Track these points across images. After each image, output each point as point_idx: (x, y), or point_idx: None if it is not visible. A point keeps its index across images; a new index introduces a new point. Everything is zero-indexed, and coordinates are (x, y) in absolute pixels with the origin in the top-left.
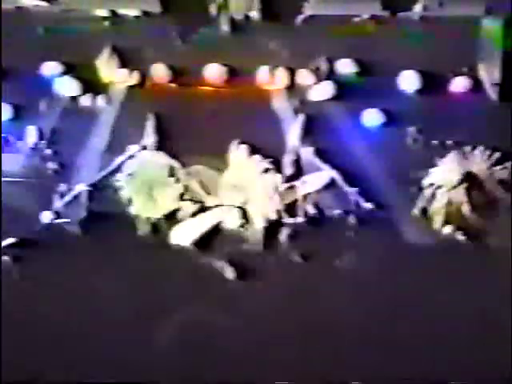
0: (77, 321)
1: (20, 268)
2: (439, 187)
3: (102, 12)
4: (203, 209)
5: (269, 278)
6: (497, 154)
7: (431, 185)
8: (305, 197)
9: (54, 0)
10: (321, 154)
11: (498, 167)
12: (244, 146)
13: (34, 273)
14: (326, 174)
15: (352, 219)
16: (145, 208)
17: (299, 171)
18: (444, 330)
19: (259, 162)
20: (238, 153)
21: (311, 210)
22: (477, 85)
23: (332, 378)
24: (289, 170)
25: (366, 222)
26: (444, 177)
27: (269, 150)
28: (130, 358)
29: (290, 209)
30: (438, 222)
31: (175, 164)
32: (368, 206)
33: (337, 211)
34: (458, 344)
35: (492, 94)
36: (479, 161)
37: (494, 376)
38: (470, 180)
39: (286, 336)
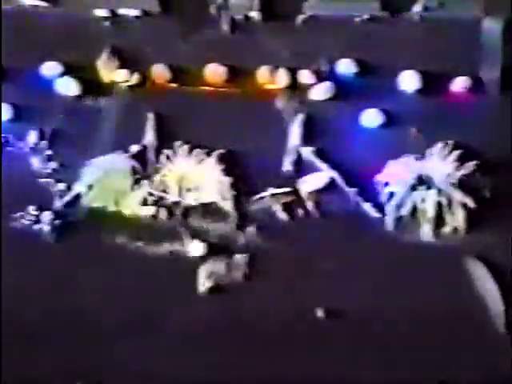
0: (76, 321)
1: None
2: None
3: (102, 12)
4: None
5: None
6: (456, 152)
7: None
8: (304, 197)
9: (54, 0)
10: (321, 153)
11: (455, 168)
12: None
13: (32, 270)
14: (326, 174)
15: (351, 219)
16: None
17: (299, 171)
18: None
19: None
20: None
21: (312, 210)
22: (477, 85)
23: (331, 378)
24: (289, 169)
25: (364, 221)
26: (398, 179)
27: (269, 150)
28: (130, 359)
29: (289, 209)
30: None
31: (137, 166)
32: (368, 206)
33: (336, 211)
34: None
35: (492, 94)
36: (436, 161)
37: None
38: (425, 183)
39: (286, 335)
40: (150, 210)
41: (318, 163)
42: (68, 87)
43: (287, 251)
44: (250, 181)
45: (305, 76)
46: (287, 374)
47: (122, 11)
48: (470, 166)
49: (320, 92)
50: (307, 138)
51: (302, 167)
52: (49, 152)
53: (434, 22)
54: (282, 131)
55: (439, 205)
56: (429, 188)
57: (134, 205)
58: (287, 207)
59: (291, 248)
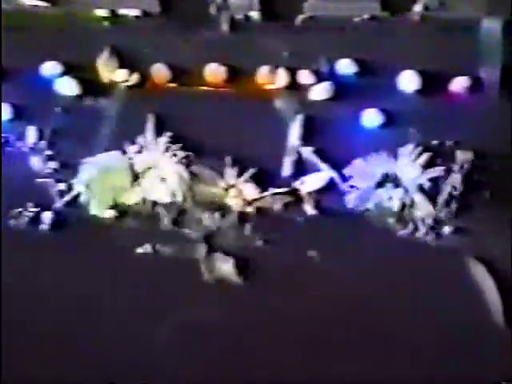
0: (76, 321)
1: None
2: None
3: (102, 12)
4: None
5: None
6: (425, 156)
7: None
8: (304, 197)
9: (54, 0)
10: (320, 153)
11: (422, 171)
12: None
13: (30, 272)
14: (326, 173)
15: (351, 218)
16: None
17: (299, 171)
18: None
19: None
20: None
21: (311, 210)
22: (477, 85)
23: (330, 379)
24: (288, 169)
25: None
26: (363, 175)
27: (268, 150)
28: (129, 359)
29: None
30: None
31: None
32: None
33: (336, 211)
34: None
35: (492, 94)
36: (406, 162)
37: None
38: (391, 182)
39: (286, 336)
40: (147, 208)
41: (318, 163)
42: (68, 87)
43: (287, 250)
44: (250, 181)
45: (304, 76)
46: (288, 375)
47: (122, 11)
48: (438, 170)
49: (320, 92)
50: (307, 138)
51: (301, 167)
52: (48, 152)
53: (434, 22)
54: (281, 131)
55: (403, 204)
56: (397, 186)
57: (132, 202)
58: (287, 207)
59: (291, 247)
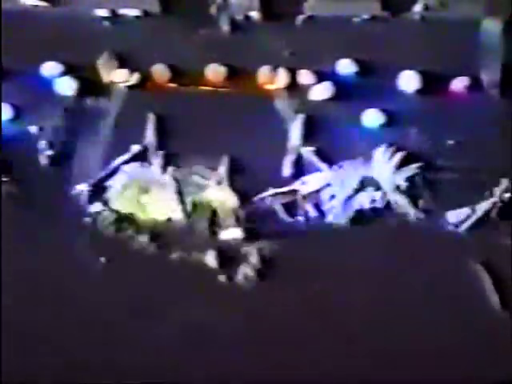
0: (76, 321)
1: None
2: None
3: (102, 12)
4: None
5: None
6: (399, 154)
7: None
8: (304, 197)
9: (54, 0)
10: (321, 153)
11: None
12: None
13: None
14: (326, 174)
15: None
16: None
17: (299, 171)
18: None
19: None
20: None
21: (311, 210)
22: (477, 85)
23: (331, 379)
24: (289, 169)
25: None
26: (341, 183)
27: (269, 150)
28: (129, 359)
29: (289, 209)
30: None
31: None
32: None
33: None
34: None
35: (492, 93)
36: (380, 163)
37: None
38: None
39: (287, 335)
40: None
41: (318, 163)
42: (68, 87)
43: (287, 250)
44: (251, 181)
45: (305, 76)
46: (288, 375)
47: (122, 11)
48: (412, 168)
49: (320, 92)
50: (307, 138)
51: (302, 167)
52: (48, 152)
53: (435, 22)
54: (282, 131)
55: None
56: (377, 189)
57: (160, 208)
58: (288, 207)
59: (292, 247)
